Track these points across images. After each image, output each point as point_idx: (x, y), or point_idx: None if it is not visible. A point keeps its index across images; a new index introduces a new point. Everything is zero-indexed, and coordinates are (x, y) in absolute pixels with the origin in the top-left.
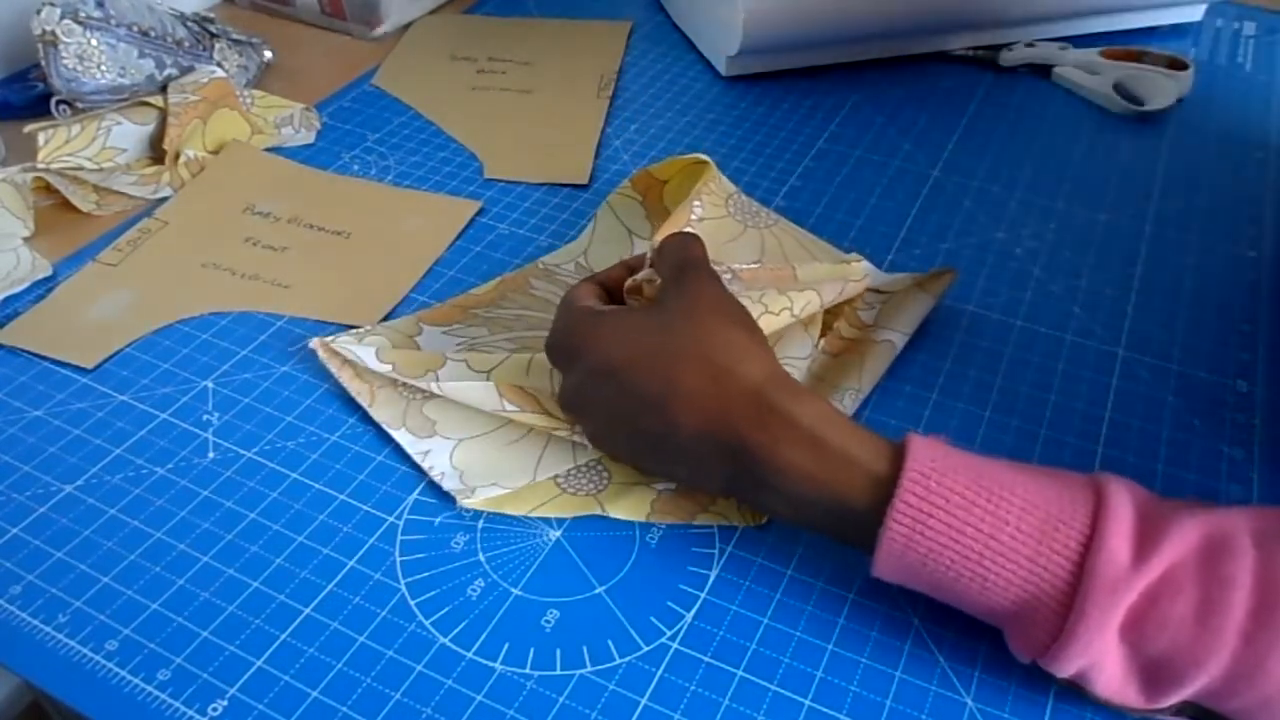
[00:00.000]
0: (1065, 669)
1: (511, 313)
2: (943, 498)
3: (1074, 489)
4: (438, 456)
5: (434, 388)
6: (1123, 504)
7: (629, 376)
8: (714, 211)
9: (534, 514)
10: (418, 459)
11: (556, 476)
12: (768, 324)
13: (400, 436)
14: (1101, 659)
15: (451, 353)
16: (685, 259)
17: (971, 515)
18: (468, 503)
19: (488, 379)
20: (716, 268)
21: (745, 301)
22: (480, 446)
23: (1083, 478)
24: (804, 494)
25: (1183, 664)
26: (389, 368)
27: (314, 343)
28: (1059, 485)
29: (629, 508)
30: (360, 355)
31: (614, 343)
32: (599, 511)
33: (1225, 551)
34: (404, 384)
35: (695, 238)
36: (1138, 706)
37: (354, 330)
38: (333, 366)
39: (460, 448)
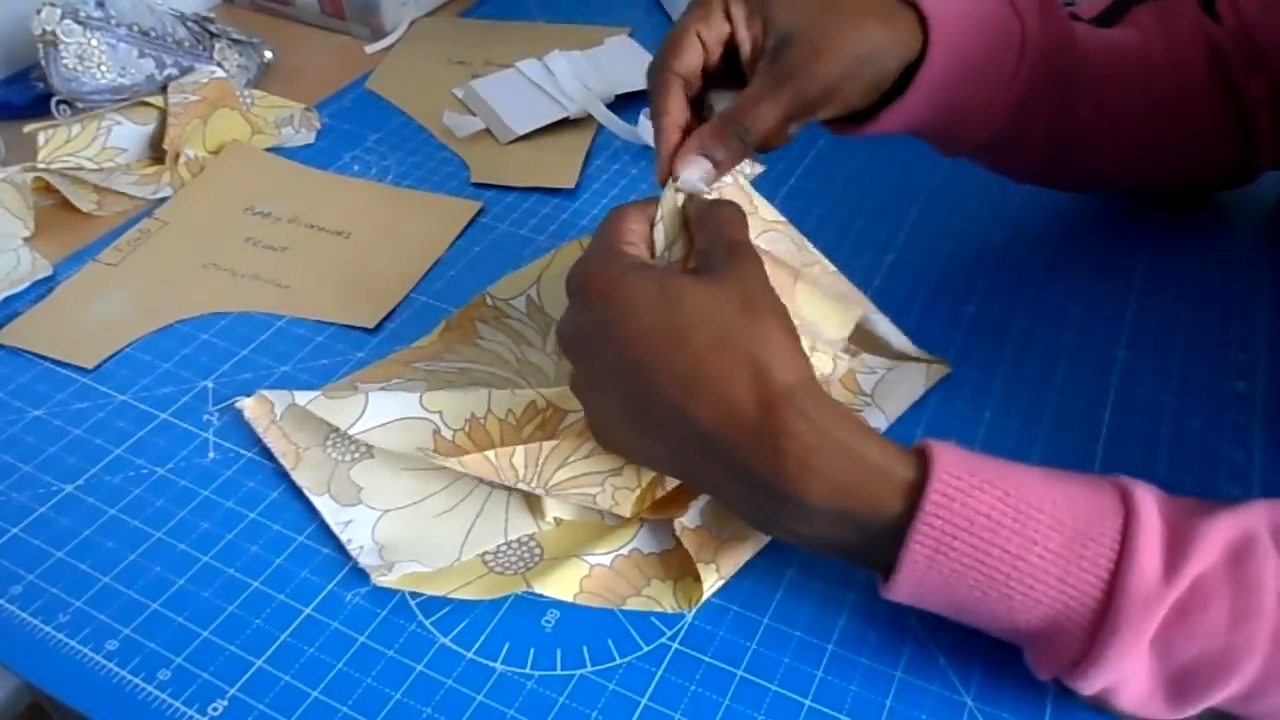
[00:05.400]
0: (1092, 686)
1: (455, 365)
2: (967, 520)
3: (1102, 499)
4: (359, 529)
5: (358, 426)
6: (1151, 515)
7: (657, 347)
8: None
9: (454, 595)
10: (337, 530)
11: (484, 554)
12: None
13: (322, 504)
14: (1129, 674)
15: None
16: (735, 236)
17: (998, 536)
18: (383, 581)
19: (420, 404)
20: None
21: None
22: (406, 519)
23: (1108, 485)
24: (826, 507)
25: (1213, 671)
26: (313, 394)
27: (242, 402)
28: (1086, 495)
29: (558, 586)
30: (288, 397)
31: (653, 305)
32: (525, 589)
33: (1251, 555)
34: (332, 447)
35: (739, 211)
36: (1162, 717)
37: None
38: (259, 426)
39: (384, 520)
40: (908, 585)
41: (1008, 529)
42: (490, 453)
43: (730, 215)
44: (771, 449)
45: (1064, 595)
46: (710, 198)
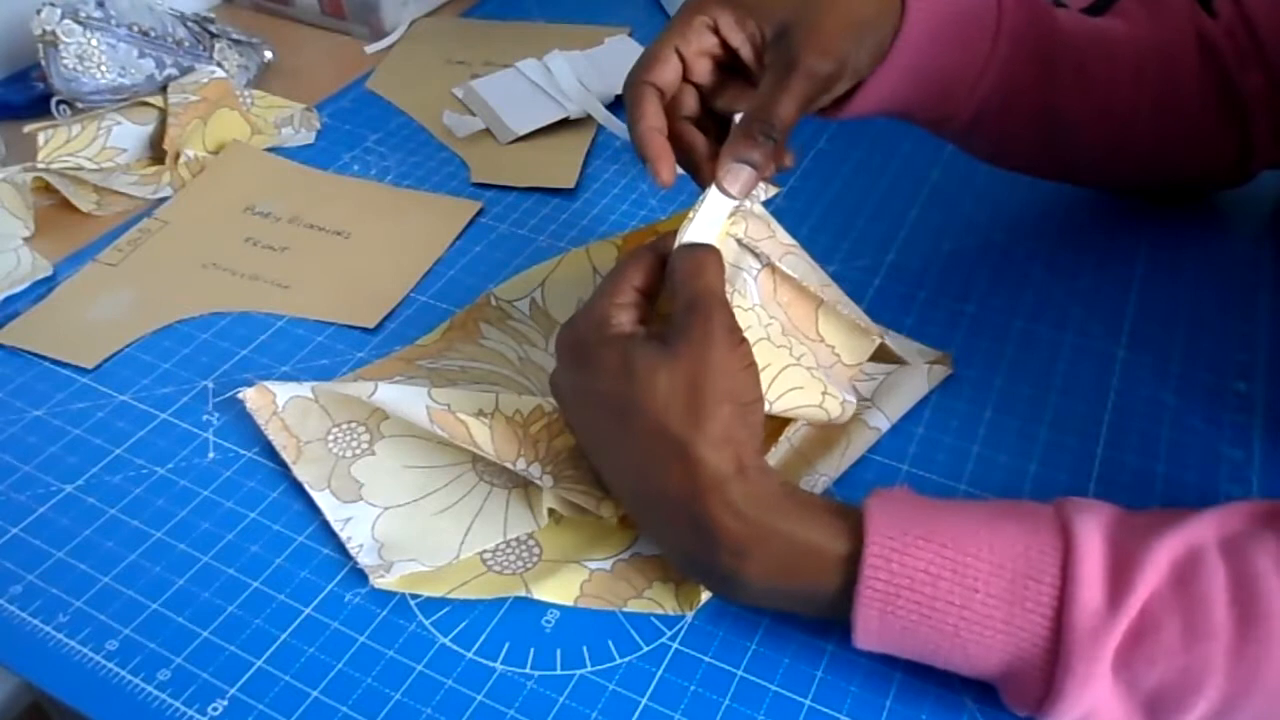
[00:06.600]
0: (1065, 719)
1: (458, 364)
2: (907, 578)
3: (1041, 535)
4: (358, 526)
5: (372, 398)
6: (1091, 544)
7: (616, 423)
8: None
9: (453, 594)
10: (337, 527)
11: (484, 553)
12: (764, 352)
13: (323, 499)
14: (1099, 703)
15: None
16: (698, 292)
17: (939, 590)
18: (381, 583)
19: (428, 396)
20: (748, 257)
21: (751, 316)
22: (406, 516)
23: (1049, 516)
24: (767, 587)
25: (1180, 693)
26: (309, 391)
27: (244, 392)
28: (1025, 533)
29: (557, 589)
30: (292, 389)
31: (616, 379)
32: (523, 593)
33: (1197, 572)
34: (334, 441)
35: (714, 259)
36: None
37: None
38: (261, 418)
39: (384, 518)
40: (869, 641)
41: (947, 581)
42: (518, 424)
43: (692, 267)
44: (707, 537)
45: (1014, 638)
46: (685, 241)
